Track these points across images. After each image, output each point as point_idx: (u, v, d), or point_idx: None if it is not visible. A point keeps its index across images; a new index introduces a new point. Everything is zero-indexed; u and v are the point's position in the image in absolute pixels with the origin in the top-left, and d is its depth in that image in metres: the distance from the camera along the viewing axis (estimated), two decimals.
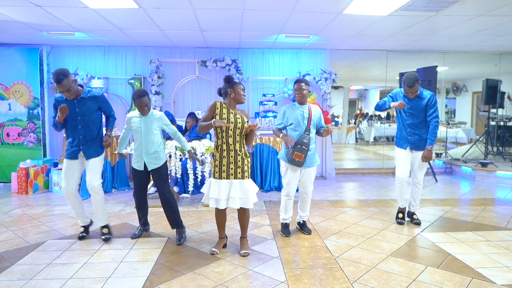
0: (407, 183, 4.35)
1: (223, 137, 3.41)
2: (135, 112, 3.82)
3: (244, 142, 3.51)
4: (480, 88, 8.57)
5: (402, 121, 4.32)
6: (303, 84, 3.81)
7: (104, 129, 3.99)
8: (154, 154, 3.77)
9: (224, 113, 3.41)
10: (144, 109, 3.69)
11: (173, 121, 5.92)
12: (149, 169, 3.78)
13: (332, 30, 5.85)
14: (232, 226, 4.29)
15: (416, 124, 4.23)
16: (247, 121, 3.47)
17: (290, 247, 3.70)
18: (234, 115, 3.41)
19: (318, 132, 3.97)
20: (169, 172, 4.45)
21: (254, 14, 5.00)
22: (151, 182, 4.90)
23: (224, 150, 3.41)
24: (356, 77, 13.22)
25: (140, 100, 3.64)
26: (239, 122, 3.40)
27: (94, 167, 3.79)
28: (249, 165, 3.50)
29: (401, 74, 7.78)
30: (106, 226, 3.92)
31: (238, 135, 3.41)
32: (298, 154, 3.73)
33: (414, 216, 4.48)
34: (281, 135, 3.86)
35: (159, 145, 3.82)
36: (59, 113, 3.54)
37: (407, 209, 4.54)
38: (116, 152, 3.94)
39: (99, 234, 3.94)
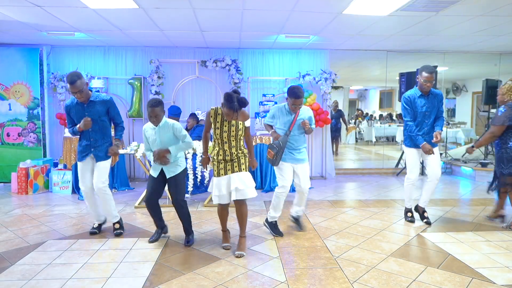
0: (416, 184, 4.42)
1: (219, 144, 3.48)
2: (149, 123, 3.70)
3: (242, 144, 3.53)
4: (480, 88, 8.57)
5: (418, 122, 4.23)
6: (302, 100, 3.77)
7: (113, 138, 4.03)
8: (173, 162, 3.71)
9: (218, 121, 3.44)
10: (152, 119, 3.58)
11: (179, 115, 5.93)
12: (167, 176, 3.70)
13: (332, 30, 5.85)
14: (232, 226, 4.29)
15: (431, 122, 4.25)
16: (242, 124, 3.44)
17: (290, 247, 3.70)
18: (228, 122, 3.42)
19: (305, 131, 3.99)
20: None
21: (254, 14, 5.00)
22: None
23: (221, 155, 3.47)
24: (356, 77, 13.22)
25: (152, 110, 3.53)
26: (233, 131, 3.42)
27: (102, 169, 3.92)
28: (247, 164, 3.54)
29: (401, 74, 7.78)
30: (117, 222, 4.08)
31: (233, 141, 3.45)
32: (270, 151, 3.85)
33: (425, 214, 4.46)
34: (271, 131, 3.96)
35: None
36: (81, 125, 3.74)
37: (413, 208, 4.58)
38: (148, 159, 3.85)
39: (112, 229, 4.08)
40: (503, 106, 4.19)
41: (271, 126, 4.01)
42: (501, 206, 4.50)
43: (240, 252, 3.47)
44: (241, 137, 3.51)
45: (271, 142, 3.88)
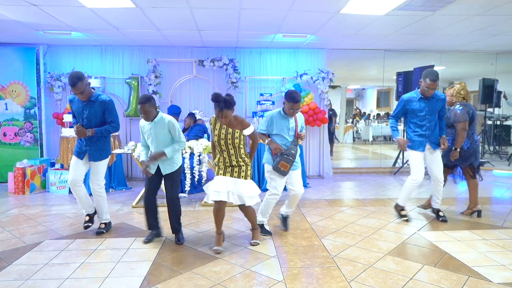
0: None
1: (219, 151, 3.52)
2: None
3: (243, 152, 3.54)
4: (477, 88, 8.61)
5: (419, 125, 4.26)
6: (300, 104, 3.75)
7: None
8: (169, 160, 3.71)
9: (216, 129, 3.49)
10: (143, 115, 3.59)
11: (178, 114, 5.97)
12: (164, 173, 3.70)
13: (329, 29, 5.86)
14: (230, 225, 4.30)
15: (433, 125, 4.26)
16: (238, 132, 3.45)
17: (287, 246, 3.70)
18: (225, 129, 3.44)
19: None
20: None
21: (251, 13, 5.00)
22: None
23: (221, 162, 3.53)
24: (353, 77, 13.25)
25: (141, 107, 3.52)
26: (229, 138, 3.43)
27: (96, 170, 3.97)
28: (249, 173, 3.55)
29: (398, 74, 7.80)
30: (104, 222, 4.12)
31: (231, 149, 3.47)
32: (284, 164, 3.75)
33: (440, 213, 4.52)
34: (267, 141, 3.82)
35: None
36: (74, 133, 3.91)
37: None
38: (140, 160, 3.81)
39: (111, 230, 4.18)
40: (458, 104, 4.50)
41: (266, 135, 3.88)
42: (474, 201, 4.70)
43: (255, 241, 3.70)
44: (240, 146, 3.50)
45: (284, 154, 3.74)
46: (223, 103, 3.26)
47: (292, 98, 3.68)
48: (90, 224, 4.14)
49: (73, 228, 4.25)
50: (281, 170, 3.76)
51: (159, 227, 3.91)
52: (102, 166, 3.99)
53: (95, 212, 4.21)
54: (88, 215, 4.16)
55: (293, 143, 3.82)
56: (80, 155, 3.94)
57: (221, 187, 3.43)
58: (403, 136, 4.59)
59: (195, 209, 5.06)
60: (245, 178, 3.51)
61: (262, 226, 4.04)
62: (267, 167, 3.90)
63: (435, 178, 4.41)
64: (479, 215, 4.66)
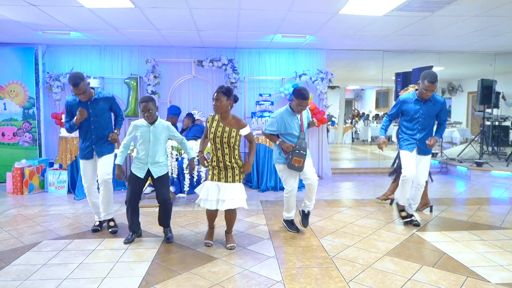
0: (411, 182, 4.30)
1: (213, 149, 3.50)
2: (142, 121, 3.72)
3: (237, 153, 3.52)
4: (476, 88, 8.62)
5: (410, 127, 4.22)
6: (308, 101, 3.78)
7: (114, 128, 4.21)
8: (160, 163, 3.75)
9: (213, 126, 3.48)
10: (146, 114, 3.60)
11: (178, 114, 6.04)
12: (155, 176, 3.73)
13: (328, 30, 5.86)
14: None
15: (426, 129, 4.19)
16: (235, 131, 3.43)
17: (286, 246, 3.70)
18: (222, 128, 3.43)
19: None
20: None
21: (250, 14, 5.01)
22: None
23: (214, 161, 3.50)
24: (352, 77, 13.26)
25: (146, 104, 3.57)
26: (225, 137, 3.41)
27: (106, 162, 4.04)
28: (241, 176, 3.54)
29: (397, 74, 7.81)
30: (112, 220, 4.15)
31: (226, 148, 3.45)
32: (297, 159, 3.77)
33: (413, 218, 4.41)
34: (278, 141, 3.87)
35: (164, 153, 3.83)
36: (78, 116, 3.83)
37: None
38: (117, 163, 3.79)
39: (106, 227, 4.16)
40: None
41: (276, 136, 3.91)
42: (392, 191, 5.30)
43: (231, 245, 3.61)
44: (235, 146, 3.48)
45: (295, 149, 3.77)
46: (221, 88, 3.44)
47: (301, 95, 3.72)
48: (99, 229, 4.14)
49: (71, 228, 4.24)
50: (296, 167, 3.80)
51: (140, 228, 3.94)
52: (111, 158, 4.08)
53: (105, 220, 4.18)
54: (99, 221, 4.17)
55: (301, 137, 3.86)
56: (87, 156, 4.01)
57: (211, 195, 3.46)
58: (396, 135, 4.63)
59: (194, 210, 5.06)
60: (239, 181, 3.52)
61: (291, 221, 4.14)
62: (279, 167, 3.98)
63: (417, 182, 4.28)
64: (431, 210, 4.93)
